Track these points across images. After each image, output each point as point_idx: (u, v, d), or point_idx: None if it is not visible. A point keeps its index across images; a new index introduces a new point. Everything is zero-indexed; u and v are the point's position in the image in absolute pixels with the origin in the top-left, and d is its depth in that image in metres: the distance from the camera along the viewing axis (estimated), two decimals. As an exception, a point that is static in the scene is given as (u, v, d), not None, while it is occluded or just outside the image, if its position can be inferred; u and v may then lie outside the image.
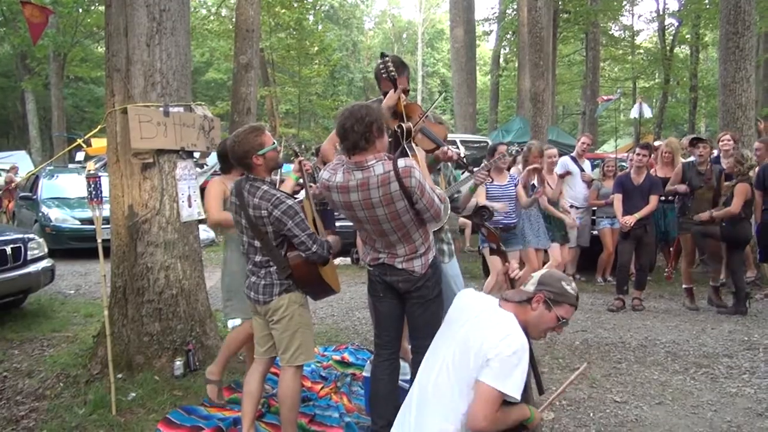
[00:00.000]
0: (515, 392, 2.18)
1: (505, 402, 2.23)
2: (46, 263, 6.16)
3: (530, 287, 2.46)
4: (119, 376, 4.01)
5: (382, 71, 3.43)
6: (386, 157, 2.80)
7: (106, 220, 4.34)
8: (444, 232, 3.79)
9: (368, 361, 3.82)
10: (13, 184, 13.34)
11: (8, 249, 5.66)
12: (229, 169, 3.87)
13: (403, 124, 3.19)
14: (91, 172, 3.66)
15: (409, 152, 3.06)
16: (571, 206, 7.54)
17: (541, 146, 6.62)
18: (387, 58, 3.41)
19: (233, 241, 3.75)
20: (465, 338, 2.34)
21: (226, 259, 3.89)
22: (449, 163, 3.87)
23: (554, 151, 7.10)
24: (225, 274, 3.88)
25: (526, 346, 2.27)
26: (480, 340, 2.26)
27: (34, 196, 10.91)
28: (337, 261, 9.00)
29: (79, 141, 5.00)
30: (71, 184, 11.14)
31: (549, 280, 2.46)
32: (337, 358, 4.72)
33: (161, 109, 4.14)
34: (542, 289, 2.43)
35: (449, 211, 3.82)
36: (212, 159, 8.98)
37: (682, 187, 6.46)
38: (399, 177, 2.70)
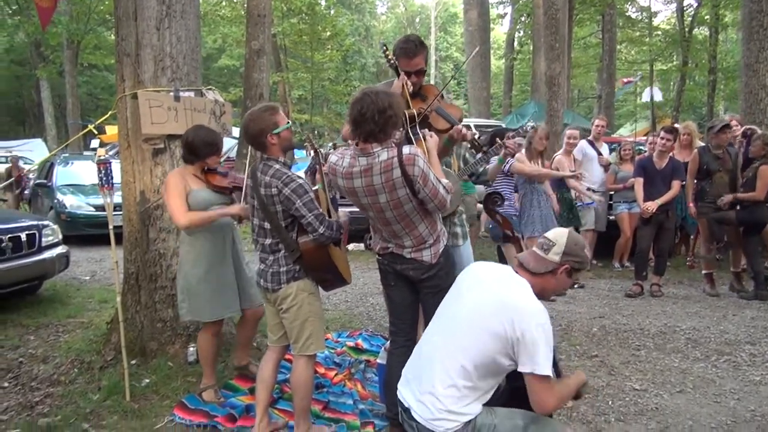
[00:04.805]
0: (551, 371, 2.17)
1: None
2: (60, 250, 6.19)
3: (554, 257, 2.39)
4: (133, 362, 4.01)
5: (389, 61, 3.36)
6: (392, 144, 2.74)
7: (119, 207, 4.32)
8: (457, 215, 3.74)
9: (382, 348, 3.78)
10: (24, 171, 13.48)
11: (23, 236, 5.67)
12: (192, 161, 3.56)
13: (406, 111, 3.11)
14: (102, 157, 3.62)
15: (413, 138, 2.98)
16: (588, 189, 7.44)
17: (548, 129, 6.57)
18: (385, 48, 3.35)
19: (186, 243, 3.59)
20: (485, 302, 2.30)
21: (180, 260, 3.67)
22: (463, 143, 3.81)
23: (575, 132, 6.98)
24: (179, 275, 3.65)
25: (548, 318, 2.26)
26: (505, 311, 2.22)
27: (49, 183, 10.98)
28: (351, 246, 8.96)
29: (90, 127, 4.97)
30: (86, 171, 11.17)
31: (574, 249, 2.40)
32: (351, 344, 4.68)
33: (171, 93, 4.08)
34: (568, 259, 2.39)
35: (460, 198, 3.77)
36: (226, 144, 8.96)
37: (692, 210, 6.47)
38: (402, 164, 2.64)
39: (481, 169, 4.07)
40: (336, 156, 2.86)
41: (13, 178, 13.51)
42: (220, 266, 3.59)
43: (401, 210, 2.75)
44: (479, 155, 3.97)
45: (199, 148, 3.51)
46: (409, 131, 3.06)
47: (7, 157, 23.09)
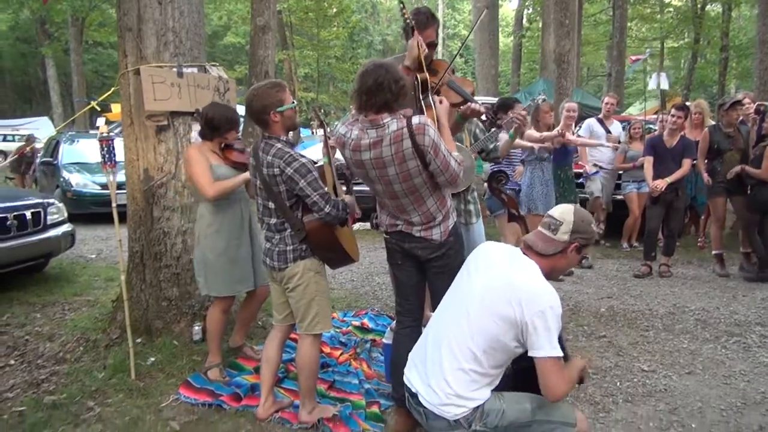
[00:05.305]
0: (560, 353, 2.15)
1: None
2: (66, 228, 6.18)
3: (563, 236, 2.33)
4: (138, 340, 4.00)
5: (405, 21, 3.27)
6: (401, 115, 2.67)
7: (125, 185, 4.29)
8: (470, 191, 3.68)
9: (388, 328, 3.75)
10: (28, 149, 13.46)
11: (28, 214, 5.66)
12: (211, 138, 3.59)
13: (419, 75, 3.02)
14: (104, 134, 3.57)
15: (423, 105, 2.88)
16: (594, 165, 7.37)
17: (550, 103, 6.46)
18: (402, 5, 3.26)
19: (206, 217, 3.58)
20: (494, 286, 2.26)
21: (198, 236, 3.66)
22: (475, 119, 3.74)
23: (574, 105, 6.86)
24: (196, 250, 3.66)
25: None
26: (515, 295, 2.18)
27: (55, 162, 10.96)
28: (357, 226, 8.92)
29: (93, 104, 4.93)
30: (92, 149, 11.09)
31: (582, 226, 2.35)
32: (357, 323, 4.66)
33: (175, 69, 4.01)
34: (577, 237, 2.34)
35: (473, 173, 3.69)
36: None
37: (705, 178, 6.31)
38: (412, 134, 2.57)
39: (491, 146, 4.00)
40: (345, 128, 2.79)
41: (14, 156, 13.47)
42: (238, 242, 3.61)
43: (410, 183, 2.68)
44: (491, 131, 3.89)
45: (219, 124, 3.54)
46: (420, 98, 2.97)
47: (14, 135, 23.18)
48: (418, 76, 3.01)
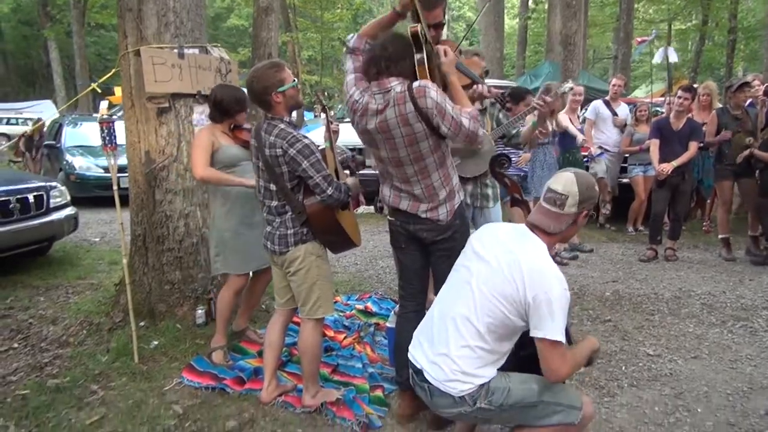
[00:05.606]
0: (563, 337, 2.10)
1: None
2: (69, 211, 6.15)
3: (572, 209, 2.25)
4: (141, 324, 3.99)
5: None
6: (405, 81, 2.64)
7: (125, 168, 4.26)
8: (487, 175, 3.63)
9: (392, 312, 3.73)
10: (28, 132, 13.38)
11: (31, 197, 5.64)
12: (221, 120, 3.61)
13: (409, 27, 2.90)
14: (104, 116, 3.53)
15: (416, 62, 2.75)
16: (599, 147, 7.31)
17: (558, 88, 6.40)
18: None
19: (218, 197, 3.58)
20: (500, 265, 2.22)
21: (213, 215, 3.67)
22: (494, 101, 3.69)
23: (580, 88, 6.79)
24: (212, 229, 3.68)
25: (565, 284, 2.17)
26: (519, 274, 2.14)
27: (58, 145, 10.92)
28: (360, 210, 8.88)
29: (94, 85, 4.87)
30: (95, 132, 11.07)
31: (587, 193, 2.27)
32: (361, 307, 4.64)
33: (176, 50, 3.96)
34: (585, 205, 2.28)
35: (493, 143, 3.63)
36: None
37: (727, 134, 6.12)
38: (413, 97, 2.53)
39: (514, 131, 3.94)
40: (359, 94, 2.74)
41: (14, 140, 13.38)
42: (251, 220, 3.60)
43: (416, 147, 2.63)
44: (513, 117, 3.84)
45: (229, 106, 3.55)
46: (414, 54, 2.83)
47: (17, 118, 23.12)
48: (410, 28, 2.89)
